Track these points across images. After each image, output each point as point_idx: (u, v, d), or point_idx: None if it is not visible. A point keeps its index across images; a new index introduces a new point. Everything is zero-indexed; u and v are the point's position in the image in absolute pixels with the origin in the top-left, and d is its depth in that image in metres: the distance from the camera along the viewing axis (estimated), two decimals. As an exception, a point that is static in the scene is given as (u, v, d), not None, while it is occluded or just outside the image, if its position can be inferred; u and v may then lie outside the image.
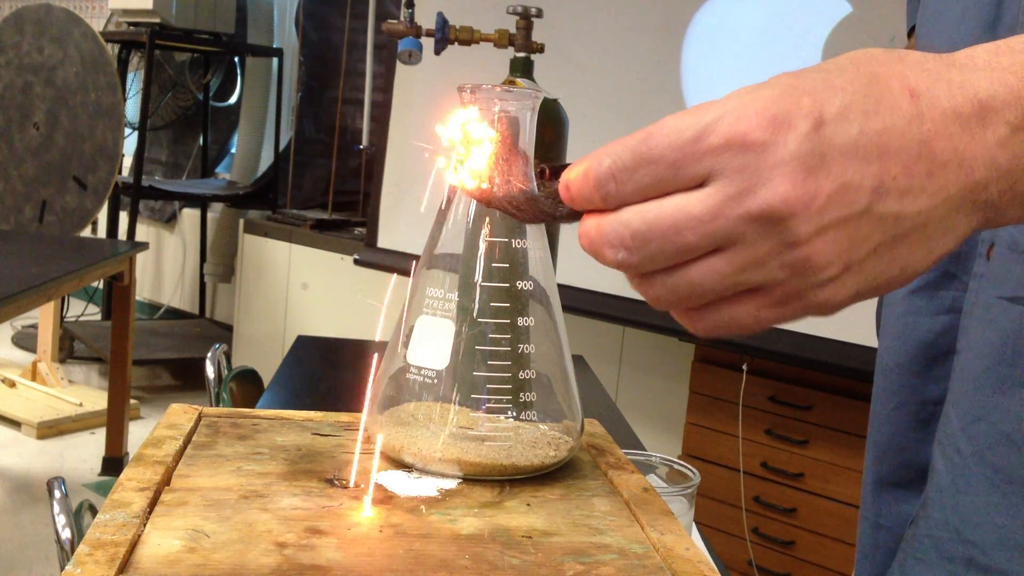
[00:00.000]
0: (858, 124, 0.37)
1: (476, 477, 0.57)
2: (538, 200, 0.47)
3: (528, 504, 0.55)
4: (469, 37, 1.40)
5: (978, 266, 0.62)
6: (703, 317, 0.41)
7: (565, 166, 0.45)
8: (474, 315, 0.58)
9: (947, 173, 0.38)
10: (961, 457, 0.60)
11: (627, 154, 0.38)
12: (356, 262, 3.01)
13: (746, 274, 0.38)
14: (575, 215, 0.43)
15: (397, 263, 2.82)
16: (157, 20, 3.88)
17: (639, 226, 0.38)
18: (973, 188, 0.38)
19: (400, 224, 2.93)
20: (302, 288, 3.61)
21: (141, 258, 3.83)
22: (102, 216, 4.17)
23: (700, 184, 0.37)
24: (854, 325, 2.03)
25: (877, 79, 0.38)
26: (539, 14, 1.34)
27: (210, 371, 1.52)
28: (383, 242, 2.96)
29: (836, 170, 0.36)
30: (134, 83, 4.50)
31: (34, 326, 4.14)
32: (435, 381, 0.58)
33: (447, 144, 0.50)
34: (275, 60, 4.34)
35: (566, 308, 0.64)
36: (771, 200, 0.36)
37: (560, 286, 0.63)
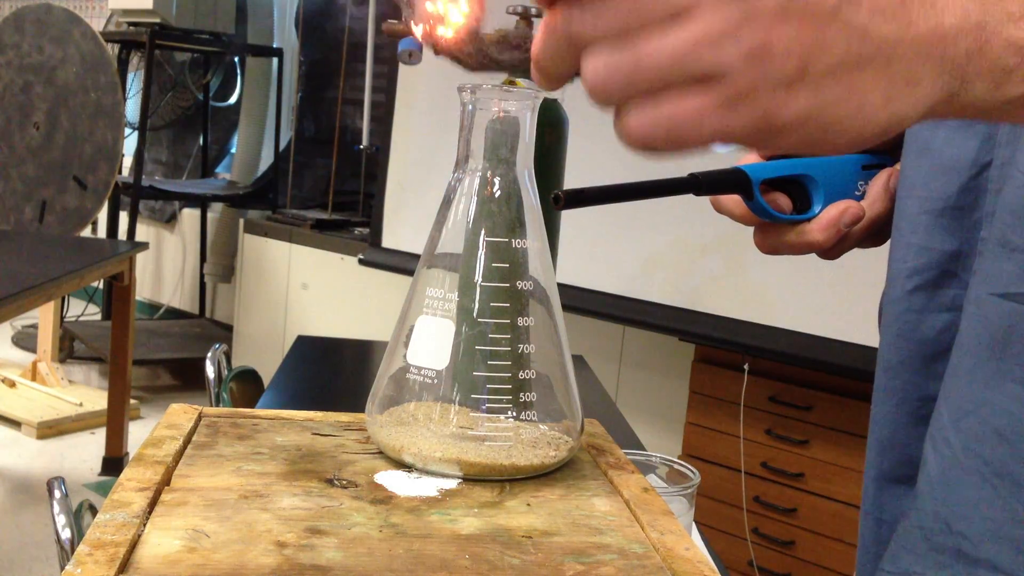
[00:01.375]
0: None
1: (476, 477, 0.57)
2: (484, 45, 0.46)
3: (528, 504, 0.55)
4: (469, 37, 1.40)
5: (977, 265, 0.62)
6: (640, 111, 0.36)
7: (580, 192, 0.45)
8: (474, 315, 0.58)
9: (918, 7, 0.36)
10: (951, 450, 0.60)
11: None
12: (361, 262, 3.01)
13: (699, 53, 0.35)
14: (521, 61, 0.42)
15: (401, 263, 2.82)
16: (157, 20, 3.88)
17: None
18: (942, 36, 0.37)
19: (404, 224, 2.94)
20: (302, 288, 3.61)
21: (141, 258, 3.83)
22: (102, 216, 4.17)
23: None
24: (854, 325, 2.04)
25: None
26: (539, 14, 1.34)
27: (210, 371, 1.52)
28: (387, 242, 2.96)
29: None
30: (134, 83, 4.50)
31: (34, 326, 4.14)
32: (435, 381, 0.58)
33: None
34: (275, 60, 4.34)
35: (566, 308, 0.64)
36: None
37: (560, 286, 0.63)
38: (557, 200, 0.48)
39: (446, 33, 0.45)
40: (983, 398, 0.59)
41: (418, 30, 0.46)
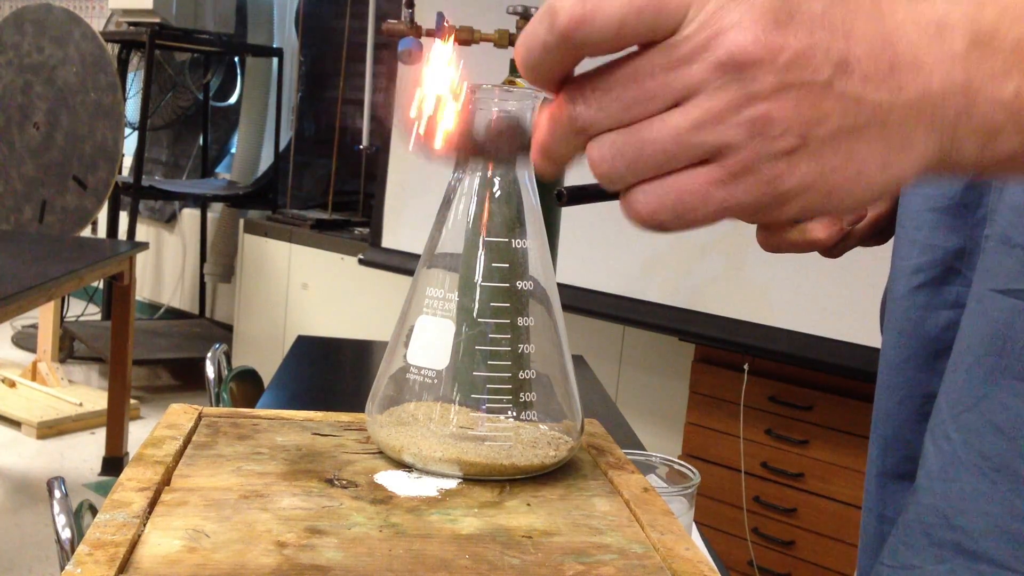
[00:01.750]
0: (823, 3, 0.36)
1: (476, 477, 0.57)
2: (480, 138, 0.47)
3: (528, 504, 0.55)
4: (469, 37, 1.40)
5: (980, 262, 0.63)
6: (647, 191, 0.38)
7: (583, 188, 0.45)
8: (474, 315, 0.58)
9: (907, 73, 0.37)
10: (951, 445, 0.61)
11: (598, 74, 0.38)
12: (361, 262, 3.01)
13: (702, 131, 0.36)
14: (521, 149, 0.43)
15: (402, 263, 2.82)
16: (157, 20, 3.88)
17: (600, 77, 0.37)
18: (931, 99, 0.38)
19: (404, 224, 2.94)
20: (302, 288, 3.62)
21: (141, 258, 3.83)
22: (102, 216, 4.17)
23: (670, 33, 0.36)
24: (854, 325, 2.04)
25: None
26: (539, 14, 1.34)
27: (210, 371, 1.52)
28: (387, 242, 2.96)
29: (804, 31, 0.36)
30: (134, 83, 4.50)
31: (34, 326, 4.14)
32: (435, 381, 0.58)
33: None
34: (275, 60, 4.34)
35: (566, 308, 0.64)
36: (739, 44, 0.35)
37: (560, 286, 0.63)
38: (560, 196, 0.48)
39: (440, 142, 0.47)
40: (983, 393, 0.59)
41: (413, 139, 0.48)
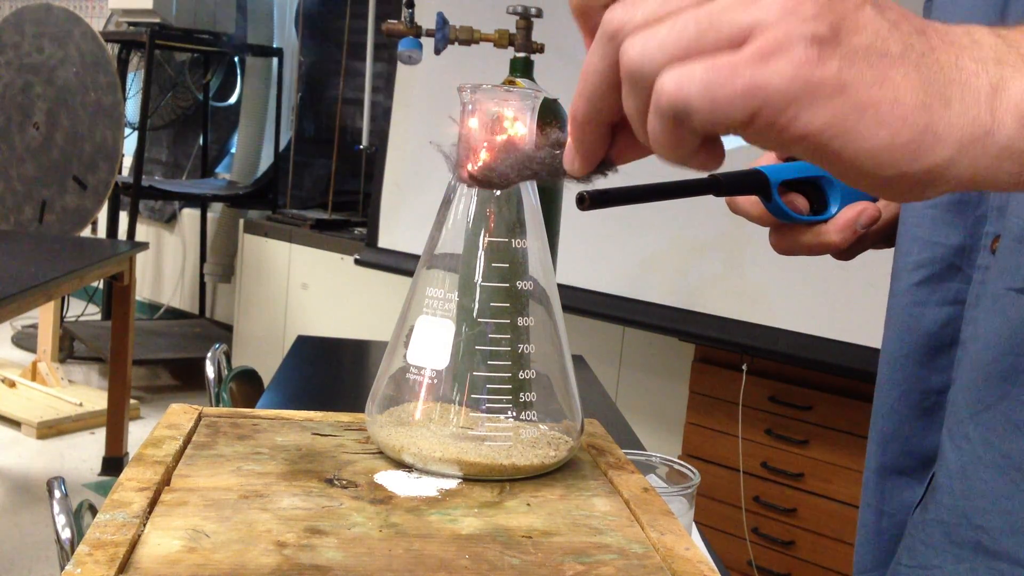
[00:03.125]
0: None
1: (476, 477, 0.57)
2: (500, 169, 0.48)
3: (528, 504, 0.55)
4: (469, 37, 1.40)
5: (982, 259, 0.63)
6: (676, 68, 0.37)
7: (605, 192, 0.46)
8: (474, 315, 0.58)
9: (939, 41, 0.38)
10: (970, 444, 0.61)
11: None
12: (357, 262, 3.01)
13: (733, 8, 0.36)
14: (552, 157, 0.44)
15: (398, 263, 2.82)
16: (157, 20, 3.88)
17: None
18: (963, 68, 0.38)
19: (401, 224, 2.94)
20: (302, 288, 3.62)
21: (141, 258, 3.83)
22: (102, 216, 4.17)
23: None
24: (854, 325, 2.04)
25: None
26: (539, 14, 1.34)
27: (210, 371, 1.52)
28: (384, 242, 2.96)
29: None
30: (134, 83, 4.50)
31: (34, 326, 4.14)
32: (435, 381, 0.58)
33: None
34: (275, 60, 4.34)
35: (566, 308, 0.64)
36: None
37: (560, 286, 0.63)
38: (582, 200, 0.49)
39: (476, 168, 0.49)
40: (1002, 392, 0.59)
41: (454, 167, 0.50)
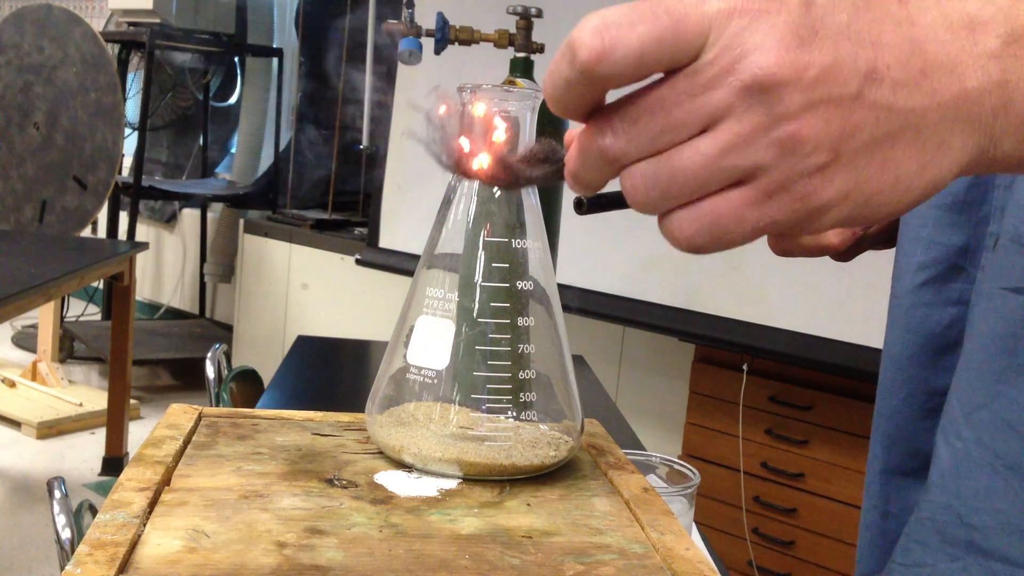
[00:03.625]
0: (848, 13, 0.36)
1: (476, 477, 0.57)
2: (513, 165, 0.47)
3: (528, 504, 0.55)
4: (469, 37, 1.40)
5: (985, 259, 0.63)
6: (683, 217, 0.38)
7: (602, 196, 0.46)
8: (474, 315, 0.58)
9: (940, 76, 0.37)
10: (963, 443, 0.61)
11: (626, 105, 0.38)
12: (358, 262, 3.01)
13: (732, 155, 0.36)
14: (554, 174, 0.44)
15: (399, 263, 2.82)
16: (157, 20, 3.88)
17: (626, 108, 0.37)
18: (966, 98, 0.37)
19: (402, 224, 2.94)
20: (302, 288, 3.61)
21: (141, 258, 3.82)
22: (102, 216, 4.17)
23: (691, 59, 0.36)
24: (854, 325, 2.04)
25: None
26: (539, 14, 1.34)
27: (210, 371, 1.52)
28: (385, 242, 2.96)
29: (829, 46, 0.35)
30: (134, 83, 4.50)
31: (34, 326, 4.14)
32: (435, 381, 0.58)
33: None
34: (275, 60, 4.34)
35: (566, 308, 0.64)
36: (762, 66, 0.35)
37: (560, 286, 0.63)
38: (580, 205, 0.48)
39: (478, 164, 0.48)
40: (995, 391, 0.59)
41: (451, 161, 0.49)
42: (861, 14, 0.36)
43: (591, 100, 0.38)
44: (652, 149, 0.37)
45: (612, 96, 0.41)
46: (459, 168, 0.50)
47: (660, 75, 0.37)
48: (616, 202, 0.50)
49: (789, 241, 0.64)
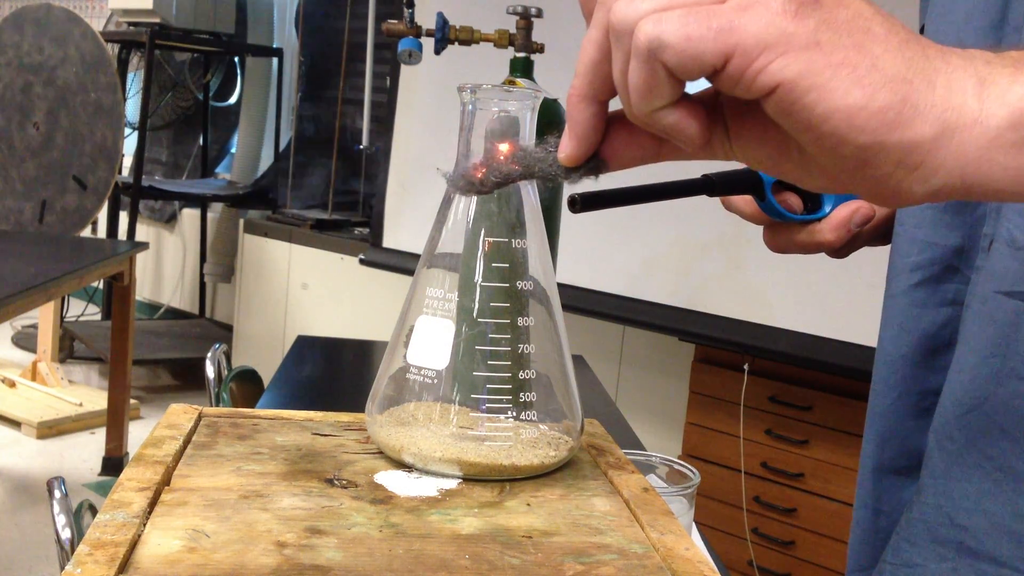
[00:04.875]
0: None
1: (476, 477, 0.57)
2: (527, 157, 0.47)
3: (528, 504, 0.55)
4: (469, 37, 1.40)
5: (979, 261, 0.63)
6: (656, 7, 0.38)
7: (597, 194, 0.46)
8: (474, 315, 0.58)
9: (927, 43, 0.38)
10: (955, 445, 0.61)
11: None
12: (362, 262, 3.01)
13: None
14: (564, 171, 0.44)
15: (402, 263, 2.82)
16: (157, 20, 3.88)
17: None
18: (949, 60, 0.38)
19: (405, 224, 2.94)
20: (302, 288, 3.62)
21: (141, 258, 3.83)
22: (102, 216, 4.17)
23: None
24: (854, 325, 2.04)
25: None
26: (539, 14, 1.34)
27: (210, 371, 1.52)
28: (388, 242, 2.96)
29: None
30: (134, 83, 4.51)
31: (34, 326, 4.14)
32: (435, 381, 0.58)
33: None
34: (275, 60, 4.34)
35: (566, 308, 0.64)
36: None
37: (560, 286, 0.63)
38: (574, 203, 0.48)
39: (490, 174, 0.49)
40: (987, 393, 0.60)
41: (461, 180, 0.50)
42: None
43: None
44: None
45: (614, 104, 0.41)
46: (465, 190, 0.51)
47: None
48: (610, 199, 0.50)
49: (784, 236, 0.64)
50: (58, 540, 0.87)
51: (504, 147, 0.53)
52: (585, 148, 0.43)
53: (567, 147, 0.44)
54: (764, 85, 0.37)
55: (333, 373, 1.75)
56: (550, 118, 1.25)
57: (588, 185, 0.47)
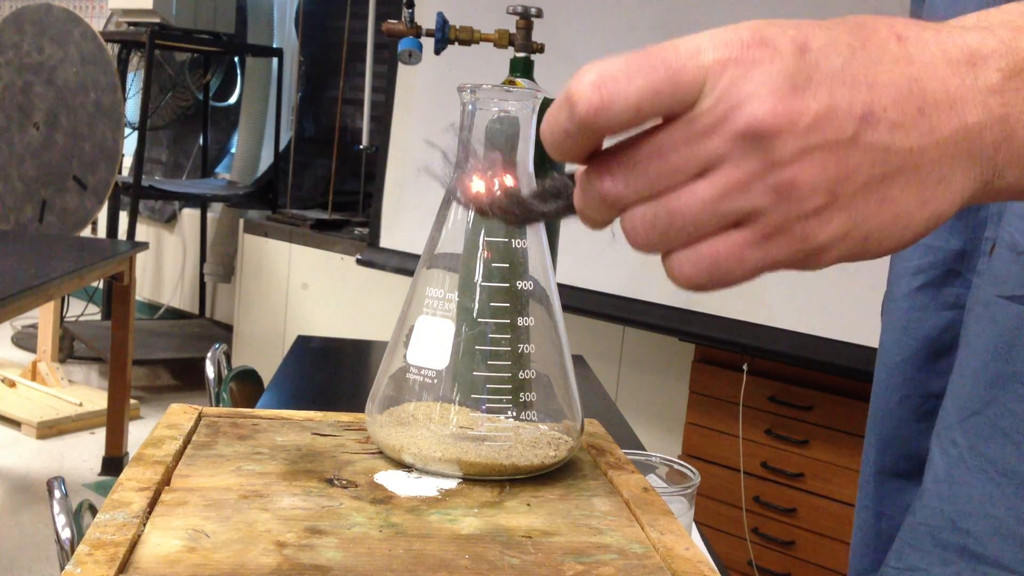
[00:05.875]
0: (844, 57, 0.36)
1: (476, 477, 0.57)
2: (526, 201, 0.47)
3: (528, 504, 0.55)
4: (469, 37, 1.40)
5: (981, 264, 0.63)
6: (683, 258, 0.39)
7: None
8: (474, 315, 0.58)
9: (939, 113, 0.37)
10: (957, 449, 0.61)
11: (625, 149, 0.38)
12: (359, 262, 3.01)
13: (729, 200, 0.36)
14: (565, 210, 0.44)
15: (400, 263, 2.82)
16: (157, 20, 3.88)
17: (624, 153, 0.38)
18: (967, 133, 0.37)
19: (402, 224, 2.94)
20: (302, 288, 3.61)
21: (141, 258, 3.83)
22: (102, 216, 4.17)
23: (688, 109, 0.37)
24: (854, 325, 2.04)
25: (863, 26, 0.38)
26: (539, 14, 1.34)
27: (210, 371, 1.52)
28: (386, 242, 2.96)
29: (823, 92, 0.36)
30: (134, 83, 4.50)
31: (34, 326, 4.14)
32: (435, 381, 0.58)
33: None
34: (275, 60, 4.34)
35: (566, 308, 0.64)
36: (757, 115, 0.35)
37: (560, 286, 0.63)
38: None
39: (490, 201, 0.48)
40: (989, 398, 0.60)
41: (462, 195, 0.50)
42: (857, 56, 0.36)
43: (589, 147, 0.39)
44: (649, 192, 0.38)
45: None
46: (473, 205, 0.50)
47: (659, 119, 0.37)
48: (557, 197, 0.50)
49: None
50: (58, 540, 0.87)
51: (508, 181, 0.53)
52: (606, 227, 0.45)
53: (590, 227, 0.45)
54: (810, 269, 0.39)
55: (333, 373, 1.75)
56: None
57: None
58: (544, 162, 0.51)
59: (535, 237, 0.60)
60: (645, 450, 0.98)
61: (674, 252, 0.39)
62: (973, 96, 0.37)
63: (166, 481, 0.53)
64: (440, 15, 1.40)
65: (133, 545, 0.45)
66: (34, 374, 3.75)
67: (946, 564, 0.61)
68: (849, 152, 0.36)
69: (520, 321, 0.59)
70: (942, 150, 0.37)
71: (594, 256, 2.43)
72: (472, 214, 0.59)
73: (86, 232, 3.92)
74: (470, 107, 0.58)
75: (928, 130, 0.37)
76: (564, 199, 0.47)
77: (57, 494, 0.90)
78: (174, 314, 4.78)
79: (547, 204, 0.46)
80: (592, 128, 0.37)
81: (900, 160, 0.37)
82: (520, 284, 0.59)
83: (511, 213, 0.48)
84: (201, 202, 4.52)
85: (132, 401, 3.32)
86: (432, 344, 0.58)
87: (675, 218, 0.37)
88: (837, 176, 0.36)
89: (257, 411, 0.66)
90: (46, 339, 3.75)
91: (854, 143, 0.36)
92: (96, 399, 3.58)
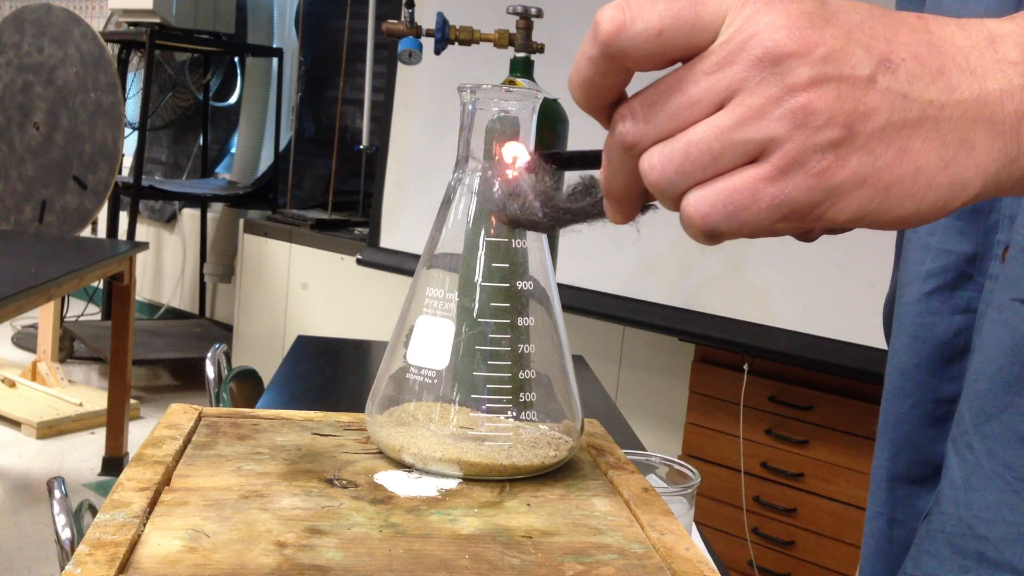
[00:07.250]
0: (863, 15, 0.37)
1: (476, 477, 0.57)
2: (556, 203, 0.47)
3: (528, 504, 0.55)
4: (469, 37, 1.40)
5: (993, 267, 0.63)
6: (698, 195, 0.38)
7: (572, 153, 0.46)
8: (474, 315, 0.58)
9: (959, 75, 0.37)
10: (974, 455, 0.61)
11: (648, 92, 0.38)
12: (359, 262, 3.01)
13: (745, 128, 0.36)
14: (593, 205, 0.44)
15: (400, 263, 2.82)
16: (157, 20, 3.88)
17: (645, 93, 0.38)
18: (987, 98, 0.37)
19: (402, 224, 2.94)
20: (302, 288, 3.62)
21: (141, 258, 3.83)
22: (102, 216, 4.17)
23: (708, 43, 0.37)
24: (854, 325, 2.04)
25: (883, 9, 0.38)
26: (539, 14, 1.34)
27: (210, 371, 1.52)
28: (385, 242, 2.96)
29: (841, 32, 0.36)
30: (134, 83, 4.51)
31: (34, 326, 4.14)
32: (435, 381, 0.58)
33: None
34: (275, 60, 4.34)
35: (566, 308, 0.64)
36: (773, 39, 0.36)
37: (560, 286, 0.63)
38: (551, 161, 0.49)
39: (520, 206, 0.48)
40: (1006, 403, 0.59)
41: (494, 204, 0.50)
42: (877, 18, 0.37)
43: (613, 83, 0.39)
44: (669, 129, 0.38)
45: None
46: (507, 218, 0.50)
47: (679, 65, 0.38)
48: (583, 160, 0.50)
49: None
50: (58, 540, 0.87)
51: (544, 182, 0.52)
52: (633, 214, 0.45)
53: (617, 218, 0.45)
54: (825, 228, 0.39)
55: (333, 373, 1.75)
56: (550, 118, 1.25)
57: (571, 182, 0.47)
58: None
59: (535, 237, 0.60)
60: (645, 450, 0.98)
61: (690, 191, 0.38)
62: (993, 66, 0.37)
63: (166, 481, 0.53)
64: (440, 15, 1.40)
65: (133, 545, 0.45)
66: (34, 374, 3.75)
67: (964, 571, 0.61)
68: (866, 90, 0.36)
69: (520, 321, 0.59)
70: (963, 110, 0.37)
71: (594, 256, 2.43)
72: (472, 214, 0.59)
73: (86, 232, 3.92)
74: (470, 107, 0.58)
75: (947, 88, 0.37)
76: (594, 195, 0.47)
77: (57, 494, 0.90)
78: (174, 314, 4.79)
79: (577, 202, 0.46)
80: (613, 50, 0.37)
81: (919, 110, 0.36)
82: (520, 284, 0.59)
83: (542, 218, 0.47)
84: (201, 202, 4.53)
85: (132, 401, 3.32)
86: (432, 344, 0.58)
87: (691, 149, 0.37)
88: (853, 111, 0.36)
89: (257, 411, 0.66)
90: (46, 339, 3.75)
91: (871, 83, 0.36)
92: (96, 399, 3.58)
